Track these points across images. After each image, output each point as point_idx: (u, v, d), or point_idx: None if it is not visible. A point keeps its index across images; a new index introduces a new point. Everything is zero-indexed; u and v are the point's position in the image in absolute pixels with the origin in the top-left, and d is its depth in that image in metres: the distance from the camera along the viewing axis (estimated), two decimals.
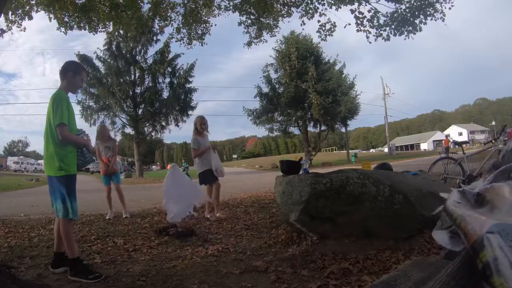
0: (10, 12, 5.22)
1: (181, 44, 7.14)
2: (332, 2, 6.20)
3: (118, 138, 24.67)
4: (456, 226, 0.73)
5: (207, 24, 6.97)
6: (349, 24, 6.39)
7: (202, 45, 7.20)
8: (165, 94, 22.84)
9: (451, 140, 18.18)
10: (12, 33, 5.60)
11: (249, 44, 7.25)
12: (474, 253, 0.58)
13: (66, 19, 5.60)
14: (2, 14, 3.94)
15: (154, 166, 65.84)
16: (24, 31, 5.66)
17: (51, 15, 5.46)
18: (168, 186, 4.35)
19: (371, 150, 72.31)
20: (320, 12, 6.43)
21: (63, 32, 5.73)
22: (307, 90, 22.50)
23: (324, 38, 6.75)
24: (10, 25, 5.38)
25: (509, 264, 0.49)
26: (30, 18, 5.39)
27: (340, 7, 6.28)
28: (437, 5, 5.91)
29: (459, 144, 6.13)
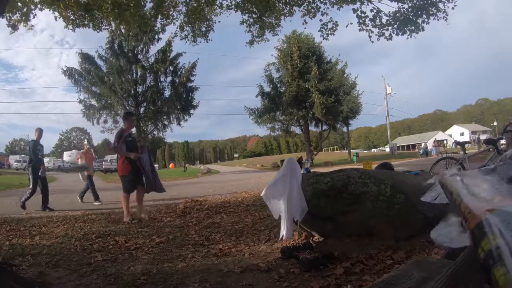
0: (16, 11, 5.21)
1: (186, 42, 7.16)
2: (334, 1, 6.18)
3: None
4: (455, 206, 0.69)
5: (210, 22, 6.98)
6: (351, 23, 6.38)
7: (207, 41, 7.23)
8: (167, 93, 22.93)
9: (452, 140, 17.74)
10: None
11: (251, 43, 7.26)
12: (474, 240, 0.55)
13: (72, 17, 5.61)
14: (6, 14, 3.94)
15: (155, 165, 66.17)
16: (32, 29, 5.70)
17: (56, 14, 5.47)
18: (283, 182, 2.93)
19: (372, 150, 72.01)
20: (322, 11, 6.42)
21: (71, 29, 5.77)
22: (309, 89, 22.45)
23: (326, 37, 6.75)
24: (16, 24, 5.38)
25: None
26: (28, 19, 5.37)
27: (342, 6, 6.26)
28: (440, 5, 5.89)
29: (461, 144, 6.12)
